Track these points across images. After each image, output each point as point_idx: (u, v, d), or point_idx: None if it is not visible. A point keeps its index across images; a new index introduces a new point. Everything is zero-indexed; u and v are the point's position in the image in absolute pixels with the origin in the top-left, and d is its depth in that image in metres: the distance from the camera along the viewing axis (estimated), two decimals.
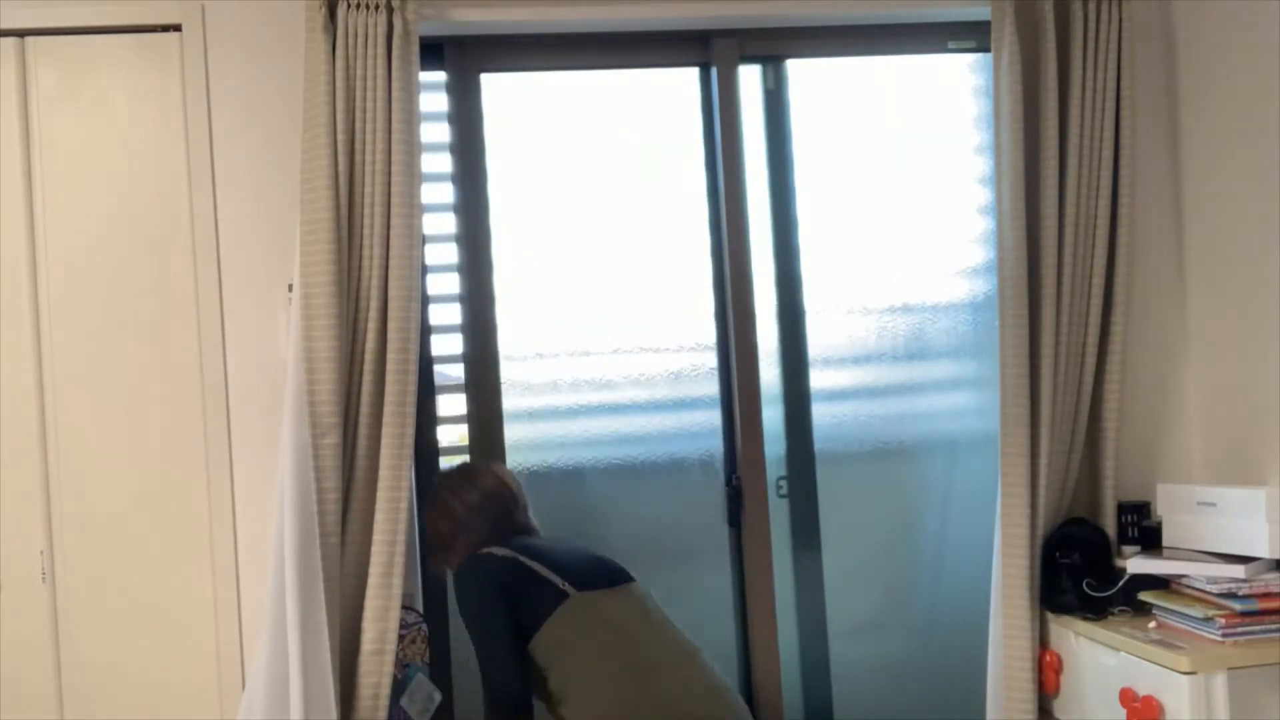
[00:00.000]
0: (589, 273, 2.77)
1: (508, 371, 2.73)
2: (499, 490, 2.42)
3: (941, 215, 2.89)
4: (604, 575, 2.32)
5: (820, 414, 2.85)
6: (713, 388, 2.79)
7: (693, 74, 2.82)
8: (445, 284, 2.69)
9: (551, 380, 2.75)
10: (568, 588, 2.25)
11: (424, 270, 2.63)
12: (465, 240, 2.69)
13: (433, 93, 2.70)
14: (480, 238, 2.70)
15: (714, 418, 2.79)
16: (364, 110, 2.40)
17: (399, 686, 2.45)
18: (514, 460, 2.72)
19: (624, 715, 2.14)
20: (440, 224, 2.70)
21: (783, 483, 2.82)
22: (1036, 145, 2.63)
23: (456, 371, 2.71)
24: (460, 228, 2.70)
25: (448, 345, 2.69)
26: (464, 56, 2.71)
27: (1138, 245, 2.73)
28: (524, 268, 2.75)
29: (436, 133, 2.70)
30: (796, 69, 2.85)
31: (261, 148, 2.54)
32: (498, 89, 2.76)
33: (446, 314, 2.69)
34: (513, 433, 2.72)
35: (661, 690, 2.16)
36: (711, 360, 2.80)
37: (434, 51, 2.69)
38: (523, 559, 2.29)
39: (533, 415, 2.75)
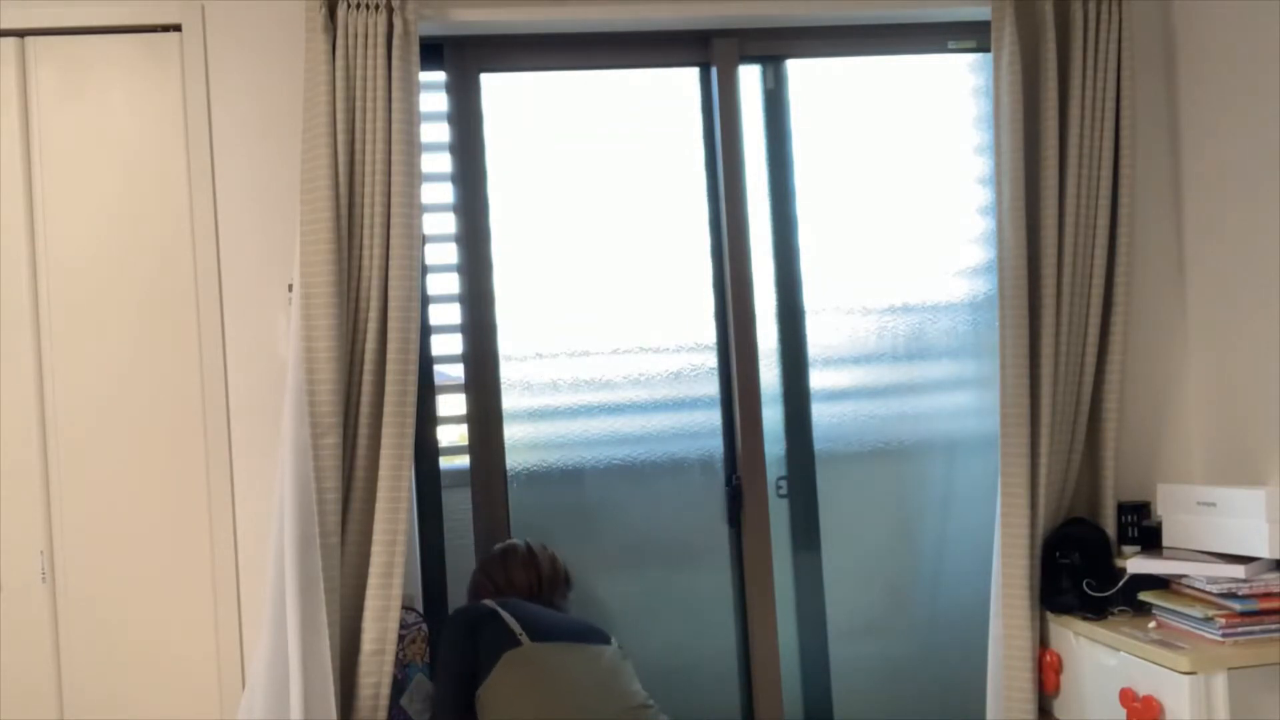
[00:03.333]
0: (589, 273, 2.77)
1: (507, 371, 2.73)
2: (525, 584, 2.49)
3: (941, 215, 2.89)
4: (570, 632, 2.34)
5: (820, 414, 2.85)
6: (713, 388, 2.79)
7: (693, 74, 2.82)
8: (445, 284, 2.69)
9: (551, 380, 2.75)
10: (522, 637, 2.27)
11: (424, 270, 2.64)
12: (465, 240, 2.69)
13: (433, 93, 2.70)
14: (480, 238, 2.70)
15: (714, 418, 2.79)
16: (364, 110, 2.40)
17: (399, 686, 2.45)
18: (514, 460, 2.72)
19: None
20: (440, 224, 2.70)
21: (782, 483, 2.82)
22: (1036, 145, 2.63)
23: (456, 371, 2.71)
24: (460, 228, 2.70)
25: (448, 345, 2.69)
26: (464, 56, 2.71)
27: (1137, 245, 2.73)
28: (524, 268, 2.75)
29: (436, 133, 2.70)
30: (796, 69, 2.85)
31: (261, 148, 2.54)
32: (498, 89, 2.76)
33: (447, 314, 2.69)
34: (512, 432, 2.72)
35: None
36: (711, 360, 2.80)
37: (434, 51, 2.69)
38: (500, 610, 2.33)
39: (533, 415, 2.75)
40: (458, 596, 2.69)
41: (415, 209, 2.41)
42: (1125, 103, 2.65)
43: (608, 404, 2.77)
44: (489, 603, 2.38)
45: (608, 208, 2.78)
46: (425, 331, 2.66)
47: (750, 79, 2.83)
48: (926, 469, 2.89)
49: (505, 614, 2.34)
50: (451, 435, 2.72)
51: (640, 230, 2.79)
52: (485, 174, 2.70)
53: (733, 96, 2.76)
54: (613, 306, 2.77)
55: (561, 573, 2.56)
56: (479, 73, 2.72)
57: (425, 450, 2.65)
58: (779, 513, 2.81)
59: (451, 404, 2.70)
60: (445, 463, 2.69)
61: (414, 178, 2.41)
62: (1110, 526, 2.66)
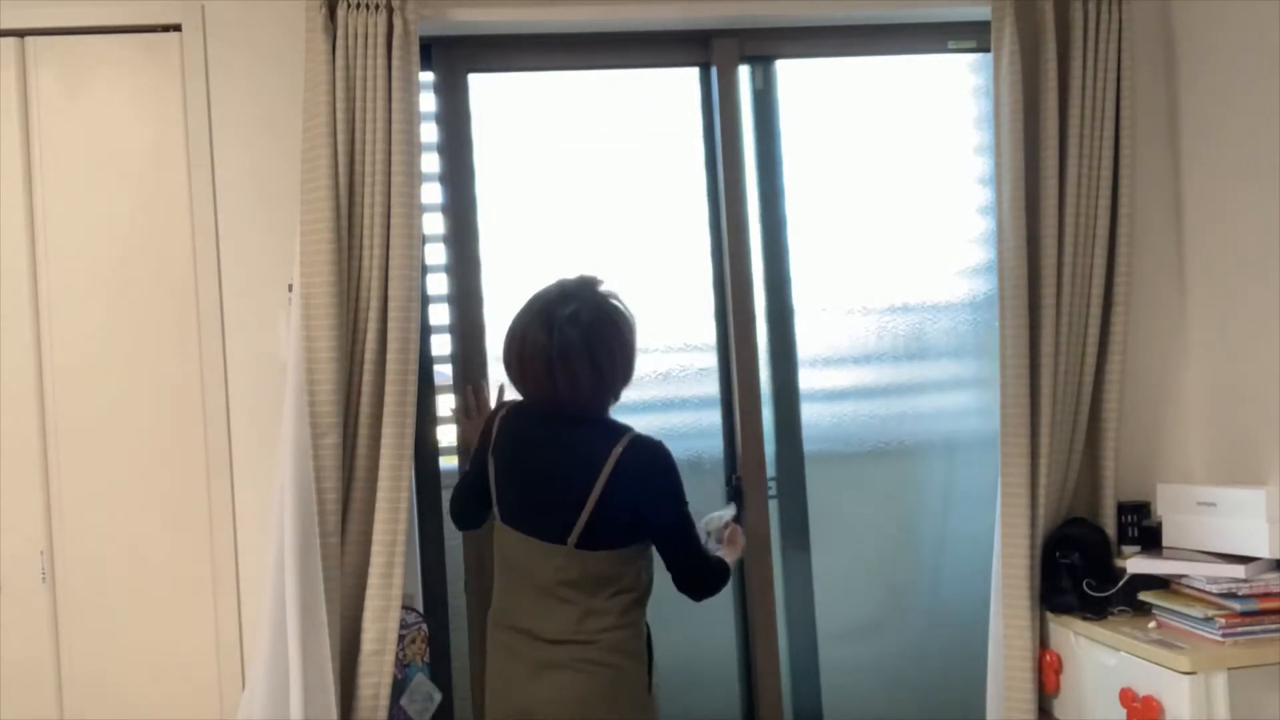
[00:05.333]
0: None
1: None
2: (533, 387, 2.12)
3: (941, 215, 2.89)
4: (538, 506, 2.11)
5: (820, 414, 2.84)
6: (711, 388, 2.79)
7: (692, 74, 2.80)
8: (433, 285, 2.67)
9: None
10: (495, 508, 2.18)
11: (424, 270, 2.63)
12: (453, 240, 2.68)
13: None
14: (468, 237, 2.67)
15: (714, 418, 2.78)
16: (364, 110, 2.40)
17: (399, 686, 2.45)
18: None
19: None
20: (428, 224, 2.67)
21: (771, 484, 2.80)
22: (1036, 145, 2.63)
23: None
24: (447, 228, 2.68)
25: (439, 346, 2.68)
26: (452, 56, 2.69)
27: (1138, 245, 2.73)
28: (522, 268, 2.74)
29: (424, 133, 2.66)
30: (797, 69, 2.84)
31: (261, 148, 2.54)
32: (497, 88, 2.75)
33: (436, 315, 2.67)
34: None
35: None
36: (706, 360, 2.78)
37: (422, 52, 2.64)
38: (490, 449, 2.19)
39: None
40: (457, 595, 2.68)
41: (415, 209, 2.40)
42: (1125, 103, 2.65)
43: None
44: (495, 424, 2.21)
45: (605, 208, 2.78)
46: (425, 331, 2.66)
47: (740, 79, 2.81)
48: (926, 469, 2.89)
49: (491, 462, 2.19)
50: (452, 435, 2.71)
51: (636, 230, 2.78)
52: (473, 174, 2.68)
53: (733, 96, 2.76)
54: None
55: (587, 356, 2.06)
56: (467, 72, 2.70)
57: (425, 450, 2.64)
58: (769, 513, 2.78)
59: (452, 404, 2.69)
60: (445, 463, 2.68)
61: (414, 178, 2.40)
62: (1110, 526, 2.66)
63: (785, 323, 2.83)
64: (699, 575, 2.18)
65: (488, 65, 2.72)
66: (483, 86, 2.74)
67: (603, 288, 2.16)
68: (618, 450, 2.06)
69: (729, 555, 2.34)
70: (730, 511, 2.45)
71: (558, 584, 2.08)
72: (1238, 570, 2.29)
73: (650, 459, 2.10)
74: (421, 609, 2.59)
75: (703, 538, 2.36)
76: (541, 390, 2.10)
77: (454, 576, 2.68)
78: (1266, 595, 2.27)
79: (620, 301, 2.17)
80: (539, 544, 2.09)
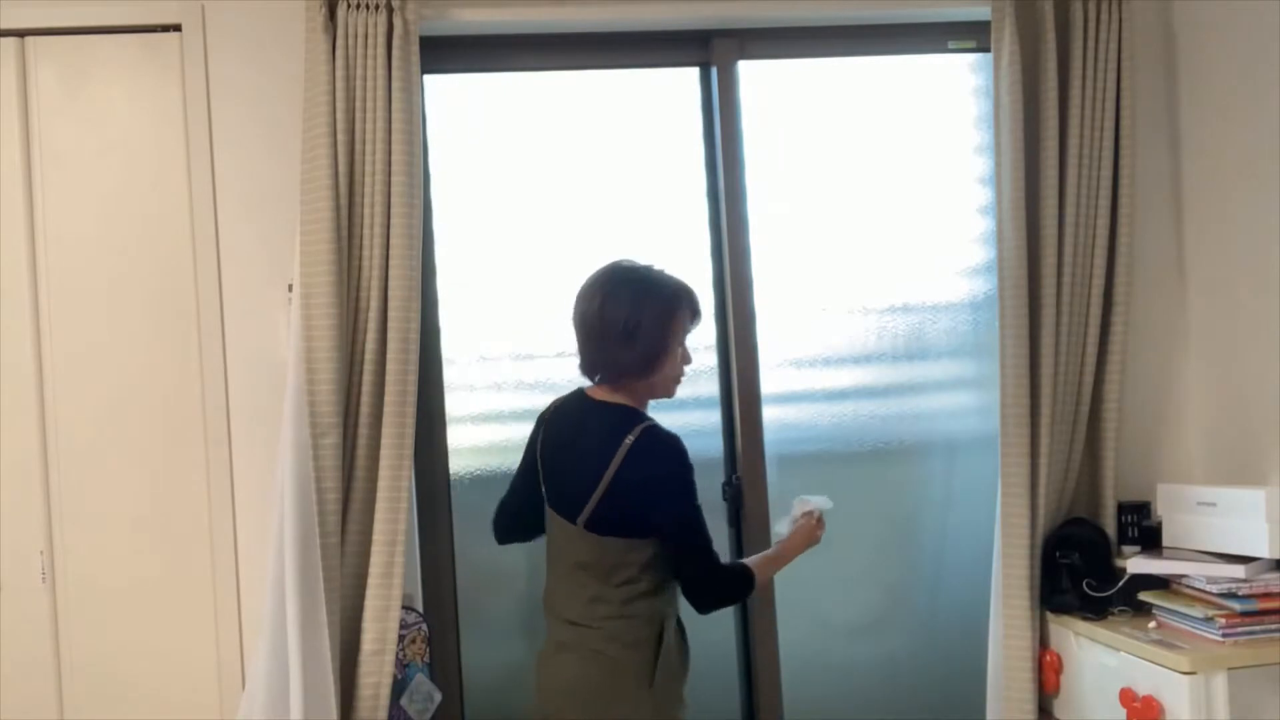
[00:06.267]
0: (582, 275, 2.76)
1: (497, 372, 2.72)
2: (583, 345, 2.18)
3: (941, 215, 2.89)
4: (566, 485, 2.16)
5: (820, 414, 2.84)
6: (711, 387, 2.79)
7: (678, 74, 2.80)
8: None
9: (539, 381, 2.75)
10: (543, 491, 2.22)
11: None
12: None
13: None
14: (424, 242, 2.62)
15: (713, 418, 2.78)
16: (364, 110, 2.40)
17: (399, 686, 2.45)
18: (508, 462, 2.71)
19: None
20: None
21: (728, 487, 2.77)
22: (1036, 145, 2.63)
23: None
24: None
25: None
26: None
27: (1138, 245, 2.73)
28: (516, 269, 2.74)
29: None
30: (796, 69, 2.84)
31: (261, 148, 2.54)
32: (494, 90, 2.75)
33: None
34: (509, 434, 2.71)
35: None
36: (706, 360, 2.78)
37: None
38: (540, 434, 2.24)
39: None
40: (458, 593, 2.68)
41: (415, 209, 2.40)
42: (1125, 103, 2.65)
43: None
44: (545, 417, 2.27)
45: (604, 208, 2.77)
46: (435, 333, 2.65)
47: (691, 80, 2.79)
48: (926, 469, 2.88)
49: (540, 439, 2.24)
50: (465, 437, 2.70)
51: (635, 230, 2.77)
52: (428, 176, 2.65)
53: (733, 96, 2.76)
54: None
55: (612, 318, 2.11)
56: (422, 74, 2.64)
57: (430, 451, 2.64)
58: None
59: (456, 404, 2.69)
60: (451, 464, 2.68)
61: (414, 178, 2.40)
62: (1110, 526, 2.66)
63: (748, 323, 2.75)
64: (702, 581, 2.11)
65: (440, 68, 2.66)
66: (480, 87, 2.74)
67: (673, 280, 2.18)
68: (630, 438, 2.08)
69: (787, 551, 2.29)
70: (824, 501, 2.30)
71: (574, 565, 2.14)
72: (1238, 570, 2.29)
73: (660, 450, 2.09)
74: (421, 609, 2.59)
75: (791, 511, 2.32)
76: (578, 346, 2.18)
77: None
78: (1266, 595, 2.27)
79: (686, 303, 2.18)
80: (561, 521, 2.15)
